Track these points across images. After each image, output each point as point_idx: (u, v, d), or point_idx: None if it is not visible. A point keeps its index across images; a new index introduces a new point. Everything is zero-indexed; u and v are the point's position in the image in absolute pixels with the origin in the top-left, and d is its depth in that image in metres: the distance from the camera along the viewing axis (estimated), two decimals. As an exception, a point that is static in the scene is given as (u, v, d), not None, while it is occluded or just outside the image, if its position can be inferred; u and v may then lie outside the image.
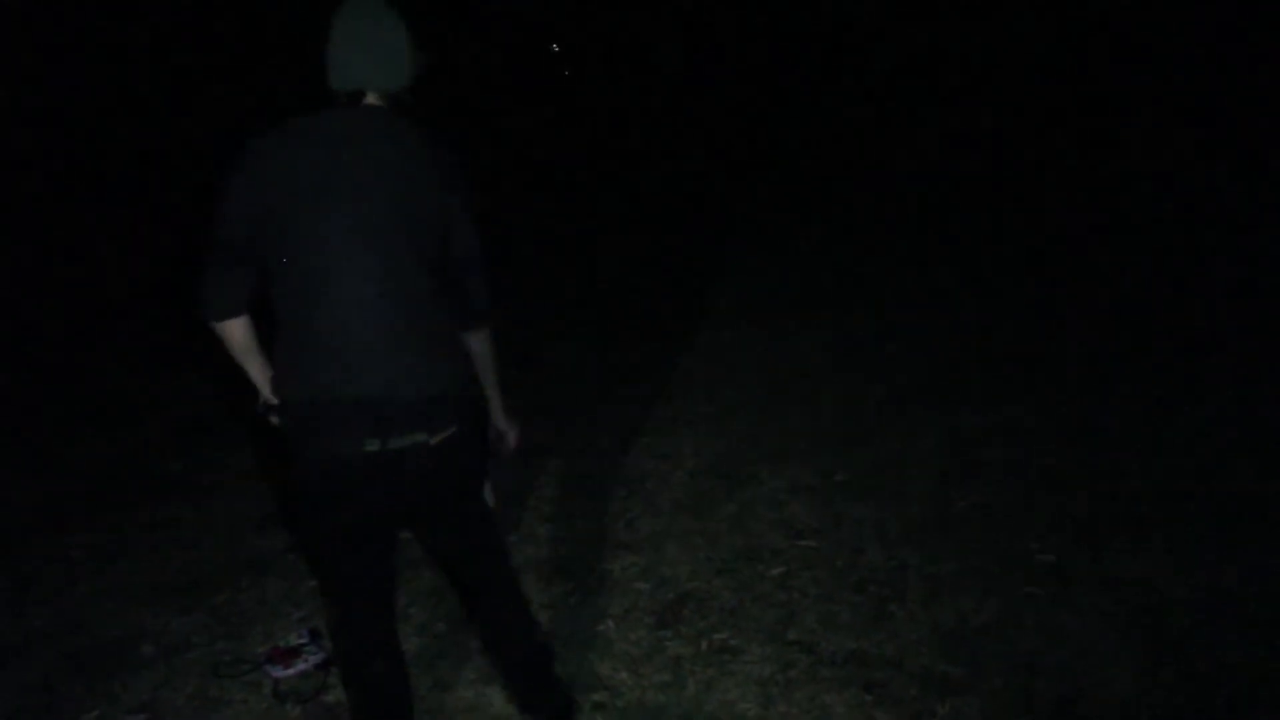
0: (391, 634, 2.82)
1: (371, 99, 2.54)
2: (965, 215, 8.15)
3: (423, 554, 4.01)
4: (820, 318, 6.40)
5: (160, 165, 9.61)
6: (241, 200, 2.41)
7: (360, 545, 2.63)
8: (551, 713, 3.06)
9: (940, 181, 9.01)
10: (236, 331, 2.57)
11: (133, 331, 7.72)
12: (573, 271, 8.31)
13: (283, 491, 4.77)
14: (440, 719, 3.20)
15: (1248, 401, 4.64)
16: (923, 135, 8.47)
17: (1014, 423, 4.66)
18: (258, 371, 2.66)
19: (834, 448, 4.62)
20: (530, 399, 5.46)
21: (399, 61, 2.54)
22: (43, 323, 8.12)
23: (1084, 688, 3.05)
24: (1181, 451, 4.27)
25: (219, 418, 5.87)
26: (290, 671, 3.46)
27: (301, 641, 3.57)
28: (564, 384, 5.84)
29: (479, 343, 2.76)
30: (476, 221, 2.59)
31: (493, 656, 3.18)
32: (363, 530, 2.61)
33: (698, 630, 3.46)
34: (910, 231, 8.07)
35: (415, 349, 2.49)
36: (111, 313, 8.13)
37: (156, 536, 4.51)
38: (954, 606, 3.47)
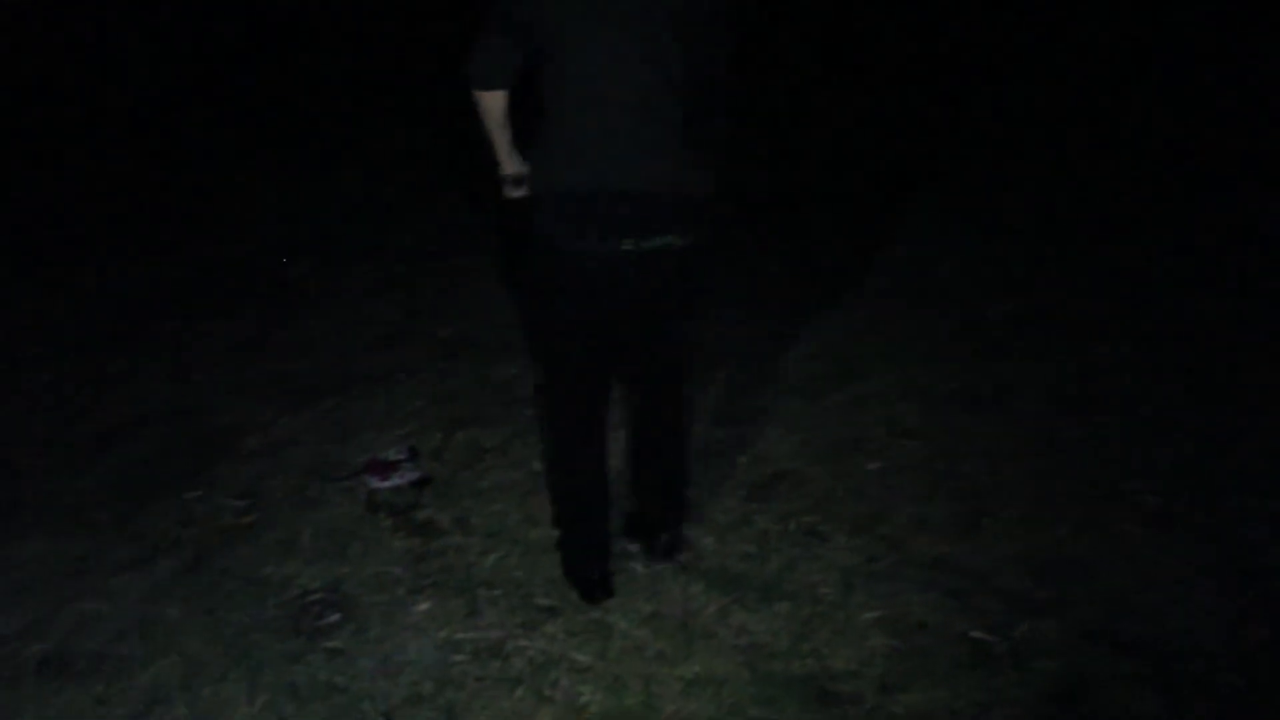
0: (605, 430, 3.00)
1: None
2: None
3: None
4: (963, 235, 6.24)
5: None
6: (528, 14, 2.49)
7: (596, 336, 2.82)
8: (661, 540, 3.20)
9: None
10: (497, 103, 2.69)
11: (272, 143, 7.82)
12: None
13: (405, 314, 4.86)
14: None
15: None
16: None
17: (1142, 361, 4.52)
18: (505, 144, 2.79)
19: (952, 357, 4.54)
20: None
21: None
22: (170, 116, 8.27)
23: (1169, 634, 2.99)
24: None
25: (350, 227, 5.95)
26: (386, 484, 3.55)
27: (400, 457, 3.65)
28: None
29: None
30: (734, 46, 2.65)
31: (634, 466, 3.27)
32: (601, 323, 2.79)
33: (788, 510, 3.46)
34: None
35: (674, 155, 2.60)
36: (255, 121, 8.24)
37: (276, 336, 4.62)
38: (1049, 531, 3.41)
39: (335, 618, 3.04)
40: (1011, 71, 9.19)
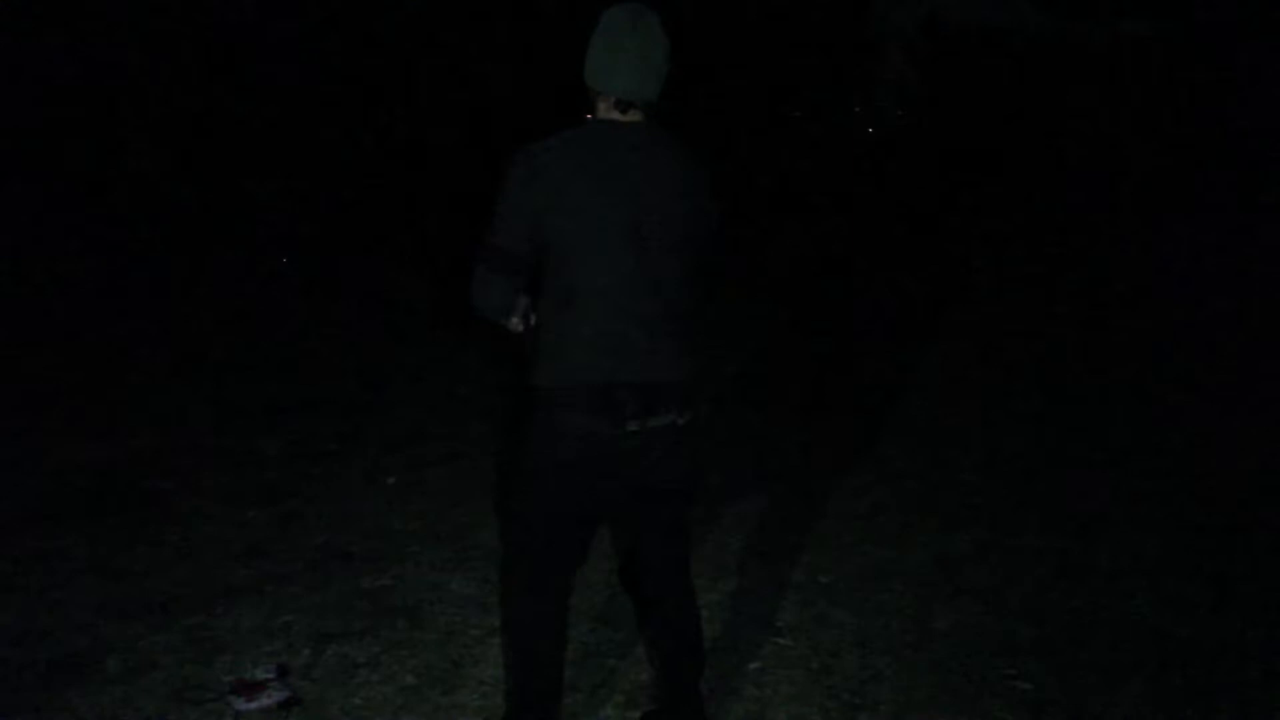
0: (565, 619, 3.08)
1: (634, 114, 2.80)
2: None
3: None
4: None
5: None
6: (521, 213, 2.73)
7: (581, 523, 2.98)
8: None
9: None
10: (509, 321, 2.89)
11: (131, 332, 7.72)
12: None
13: (274, 523, 4.77)
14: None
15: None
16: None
17: (1005, 544, 4.66)
18: (519, 329, 2.93)
19: (823, 549, 4.61)
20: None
21: (662, 74, 2.80)
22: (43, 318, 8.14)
23: (1047, 823, 3.03)
24: (1174, 596, 4.25)
25: (211, 439, 5.85)
26: (253, 705, 3.43)
27: (268, 676, 3.54)
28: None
29: None
30: (723, 230, 2.98)
31: (654, 658, 3.29)
32: (592, 508, 2.96)
33: (667, 716, 3.43)
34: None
35: (674, 342, 2.85)
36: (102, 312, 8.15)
37: (136, 552, 4.49)
38: (925, 723, 3.45)
39: None
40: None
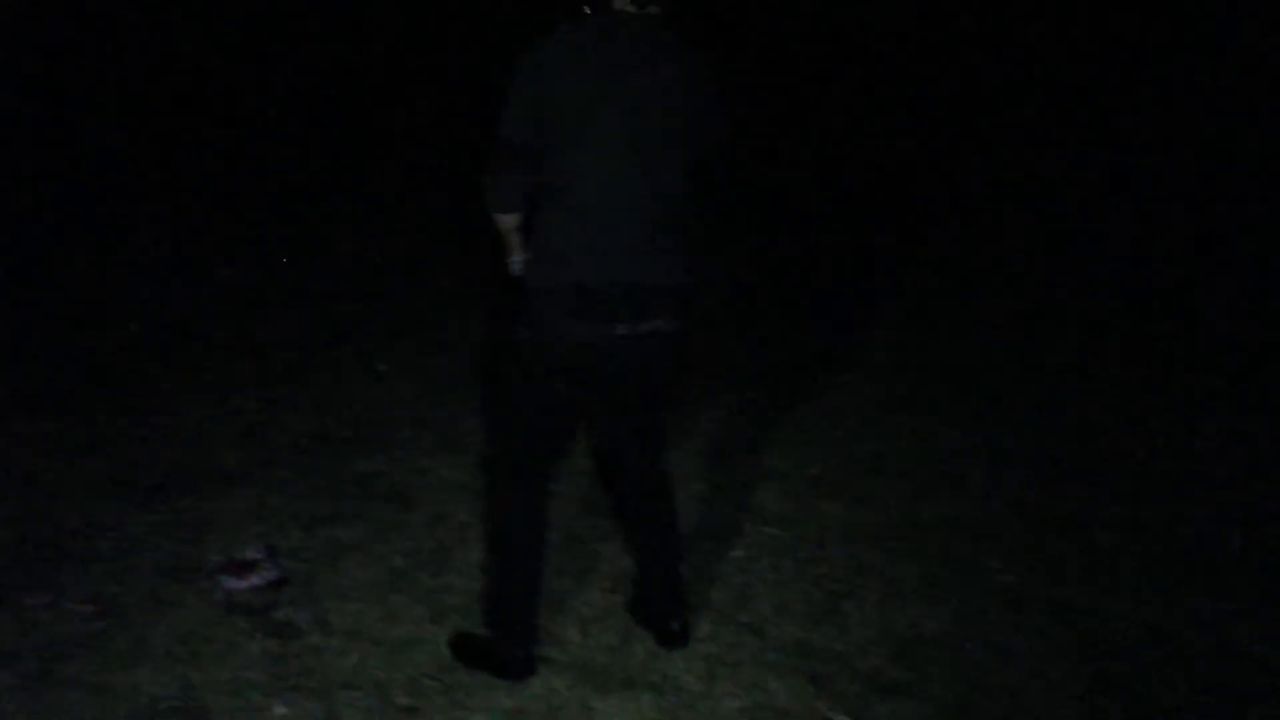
0: (547, 506, 3.11)
1: (652, 8, 2.75)
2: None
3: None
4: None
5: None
6: (526, 106, 2.71)
7: (569, 415, 3.07)
8: (672, 627, 3.27)
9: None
10: (511, 220, 2.90)
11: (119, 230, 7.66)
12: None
13: (264, 409, 4.77)
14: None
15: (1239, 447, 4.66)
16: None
17: (995, 445, 4.68)
18: (518, 243, 2.95)
19: (812, 442, 4.63)
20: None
21: None
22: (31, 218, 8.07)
23: (1024, 709, 3.08)
24: (1160, 494, 4.28)
25: (206, 321, 5.83)
26: (243, 584, 3.46)
27: (258, 556, 3.56)
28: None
29: None
30: (729, 114, 2.93)
31: (640, 563, 3.38)
32: (580, 402, 3.01)
33: (651, 599, 3.47)
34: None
35: (668, 244, 2.84)
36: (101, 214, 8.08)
37: (126, 435, 4.50)
38: (907, 613, 3.48)
39: (187, 726, 2.94)
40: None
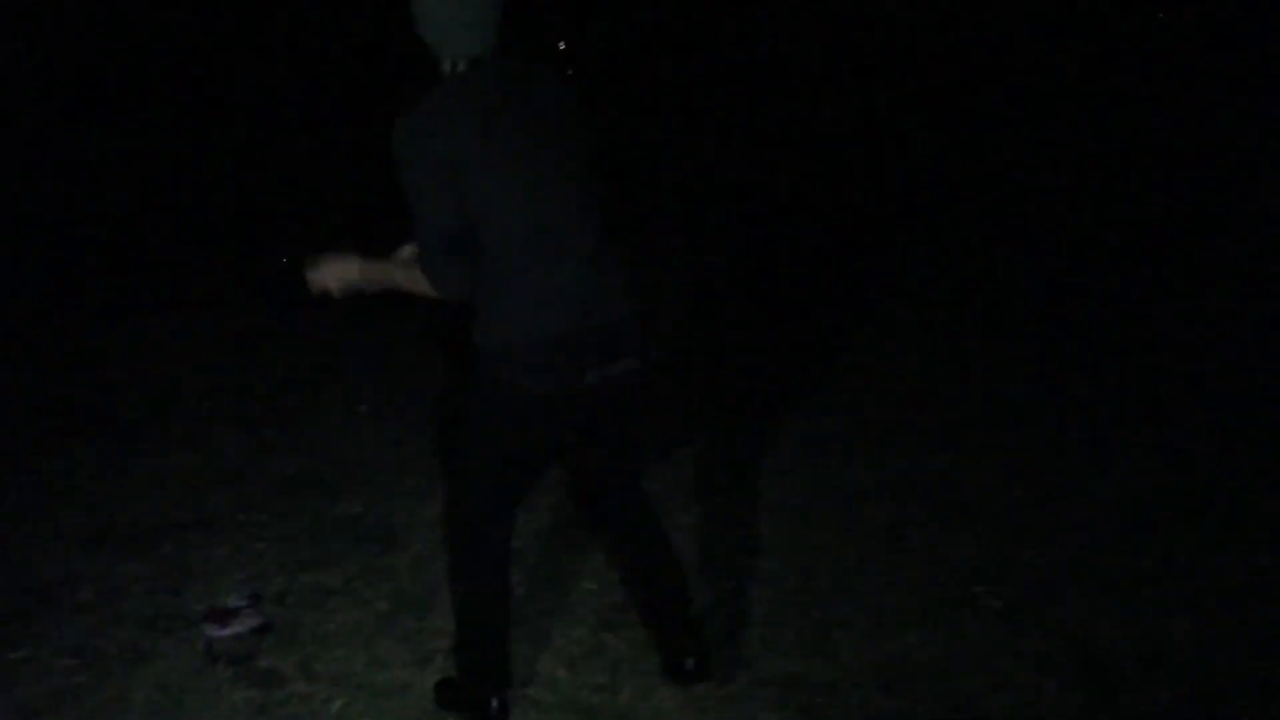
0: (509, 562, 3.00)
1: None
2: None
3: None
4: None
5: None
6: (436, 177, 2.58)
7: (536, 468, 2.97)
8: (687, 665, 3.16)
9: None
10: (463, 297, 2.76)
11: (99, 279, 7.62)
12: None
13: (246, 452, 4.74)
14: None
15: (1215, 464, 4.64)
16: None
17: (981, 465, 4.66)
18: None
19: (797, 471, 4.61)
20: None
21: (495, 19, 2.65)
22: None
23: (1019, 734, 3.06)
24: (1137, 510, 4.26)
25: (185, 370, 5.80)
26: (225, 632, 3.42)
27: (241, 604, 3.53)
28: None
29: None
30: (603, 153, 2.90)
31: (646, 601, 3.34)
32: (546, 454, 2.95)
33: (640, 636, 3.43)
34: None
35: (616, 274, 2.76)
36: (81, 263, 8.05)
37: (106, 482, 4.47)
38: (898, 640, 3.46)
39: (170, 780, 2.90)
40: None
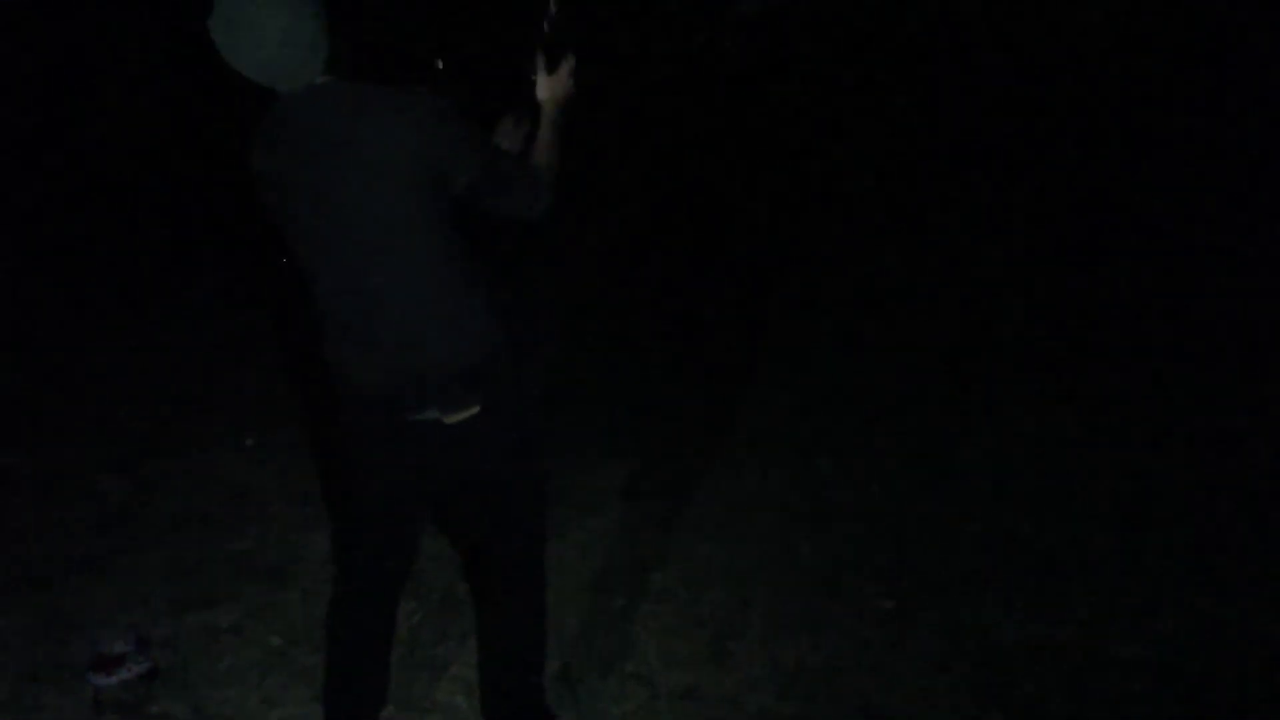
0: (383, 631, 2.90)
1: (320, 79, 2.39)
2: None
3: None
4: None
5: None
6: (267, 209, 2.50)
7: (400, 519, 2.80)
8: None
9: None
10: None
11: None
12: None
13: (129, 491, 4.64)
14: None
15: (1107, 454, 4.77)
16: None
17: (867, 469, 4.73)
18: None
19: (687, 484, 4.64)
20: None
21: (306, 35, 2.30)
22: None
23: (912, 733, 3.13)
24: (1027, 503, 4.37)
25: (57, 404, 5.64)
26: (112, 680, 3.34)
27: (127, 649, 3.45)
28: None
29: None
30: (484, 144, 2.50)
31: (480, 650, 3.08)
32: (408, 502, 2.79)
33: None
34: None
35: (441, 319, 2.49)
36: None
37: (-17, 530, 4.34)
38: (792, 647, 3.51)
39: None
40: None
